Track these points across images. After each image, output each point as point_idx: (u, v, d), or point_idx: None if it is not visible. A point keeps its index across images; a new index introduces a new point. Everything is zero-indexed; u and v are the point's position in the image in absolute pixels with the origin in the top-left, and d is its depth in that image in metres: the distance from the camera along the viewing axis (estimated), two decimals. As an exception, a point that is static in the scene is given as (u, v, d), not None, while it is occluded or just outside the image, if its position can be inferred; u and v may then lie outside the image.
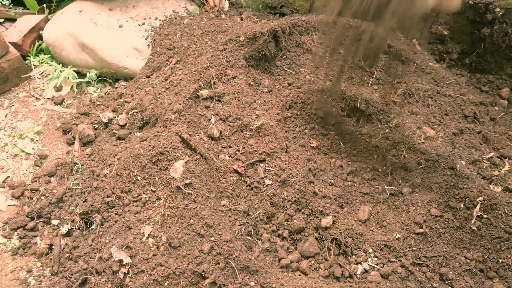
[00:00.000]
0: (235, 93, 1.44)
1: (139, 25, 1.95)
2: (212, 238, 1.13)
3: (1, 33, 1.95)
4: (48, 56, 2.00)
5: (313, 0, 1.96)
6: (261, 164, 1.32)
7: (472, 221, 1.16)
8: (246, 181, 1.27)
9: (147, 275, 1.08)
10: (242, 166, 1.28)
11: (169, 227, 1.16)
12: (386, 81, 1.64)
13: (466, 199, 1.19)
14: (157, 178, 1.26)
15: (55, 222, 1.34)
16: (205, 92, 1.45)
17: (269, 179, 1.28)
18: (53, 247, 1.28)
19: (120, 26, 1.92)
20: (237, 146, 1.35)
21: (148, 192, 1.25)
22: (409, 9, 1.11)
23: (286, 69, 1.66)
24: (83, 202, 1.32)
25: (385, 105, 1.51)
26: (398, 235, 1.23)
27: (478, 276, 1.13)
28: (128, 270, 1.10)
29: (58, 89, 1.88)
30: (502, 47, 1.69)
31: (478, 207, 1.17)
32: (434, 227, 1.20)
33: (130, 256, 1.12)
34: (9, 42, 1.88)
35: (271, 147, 1.35)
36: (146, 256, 1.12)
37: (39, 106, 1.82)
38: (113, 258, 1.12)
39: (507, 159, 1.43)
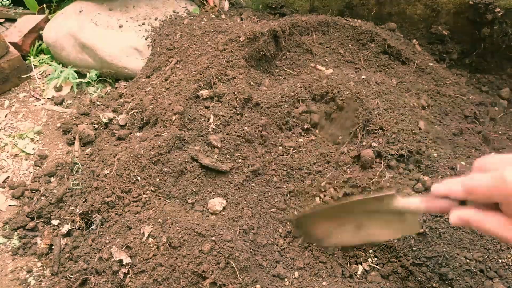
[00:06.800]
0: (235, 93, 1.44)
1: (139, 25, 1.95)
2: (213, 238, 1.13)
3: (1, 33, 1.95)
4: (48, 56, 2.00)
5: (313, 0, 1.96)
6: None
7: (472, 221, 1.16)
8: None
9: (147, 275, 1.08)
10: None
11: (169, 227, 1.16)
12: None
13: (466, 199, 1.19)
14: (157, 179, 1.26)
15: (55, 222, 1.34)
16: (205, 92, 1.45)
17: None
18: (53, 247, 1.28)
19: (120, 26, 1.92)
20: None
21: (148, 192, 1.25)
22: None
23: (286, 69, 1.66)
24: (83, 202, 1.32)
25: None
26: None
27: (478, 276, 1.13)
28: (128, 270, 1.10)
29: (58, 89, 1.88)
30: (502, 47, 1.69)
31: (478, 207, 1.17)
32: (434, 227, 1.20)
33: (130, 256, 1.12)
34: (9, 42, 1.88)
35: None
36: (146, 256, 1.11)
37: (39, 106, 1.82)
38: (113, 258, 1.12)
39: (507, 159, 1.43)
